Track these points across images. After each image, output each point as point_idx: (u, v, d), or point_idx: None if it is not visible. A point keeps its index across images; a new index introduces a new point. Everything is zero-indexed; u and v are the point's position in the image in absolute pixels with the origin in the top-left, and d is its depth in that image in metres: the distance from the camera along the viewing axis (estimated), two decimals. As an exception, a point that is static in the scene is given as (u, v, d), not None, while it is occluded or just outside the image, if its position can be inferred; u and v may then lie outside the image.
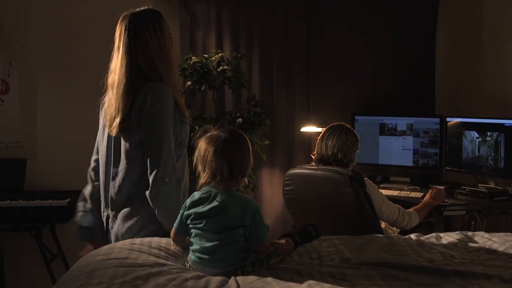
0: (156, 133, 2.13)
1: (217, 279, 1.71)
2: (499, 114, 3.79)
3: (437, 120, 4.04)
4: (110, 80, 2.24)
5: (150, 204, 2.15)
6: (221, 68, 3.87)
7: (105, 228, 2.39)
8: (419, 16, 4.47)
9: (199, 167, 1.96)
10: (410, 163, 4.16)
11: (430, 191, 3.42)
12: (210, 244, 1.88)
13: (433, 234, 2.29)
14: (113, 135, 2.23)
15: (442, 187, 3.55)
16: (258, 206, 1.94)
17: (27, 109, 3.77)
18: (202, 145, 1.96)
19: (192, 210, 1.95)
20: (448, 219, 3.49)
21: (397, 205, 3.13)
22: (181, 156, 2.27)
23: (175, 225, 2.01)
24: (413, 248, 2.05)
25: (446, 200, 3.44)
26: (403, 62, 4.49)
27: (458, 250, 2.03)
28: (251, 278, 1.71)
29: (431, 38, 4.49)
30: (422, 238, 2.24)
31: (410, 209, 3.23)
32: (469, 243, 2.16)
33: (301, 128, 4.34)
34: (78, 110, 3.81)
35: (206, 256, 1.87)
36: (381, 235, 2.28)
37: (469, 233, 2.28)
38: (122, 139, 2.23)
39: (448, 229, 3.45)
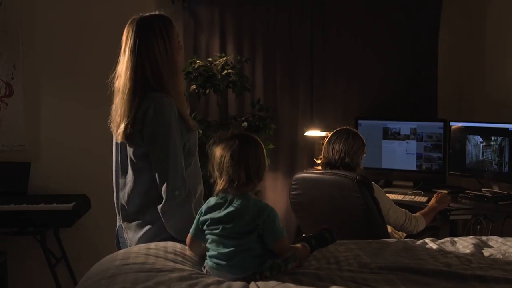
0: (160, 147, 2.09)
1: (237, 285, 1.70)
2: (502, 119, 3.81)
3: (441, 124, 4.05)
4: (116, 84, 2.21)
5: (162, 219, 2.13)
6: (225, 72, 3.86)
7: (116, 238, 2.38)
8: (422, 21, 4.48)
9: (216, 174, 1.96)
10: (414, 167, 4.17)
11: (435, 195, 3.43)
12: (227, 250, 1.87)
13: (448, 239, 2.29)
14: (119, 141, 2.21)
15: (446, 191, 3.55)
16: (273, 208, 1.94)
17: (31, 112, 3.75)
18: (217, 151, 1.95)
19: (208, 216, 1.94)
20: (454, 223, 3.49)
21: (403, 209, 3.14)
22: (191, 164, 2.24)
23: (191, 231, 2.00)
24: (429, 253, 2.05)
25: (451, 205, 3.45)
26: (406, 66, 4.50)
27: (474, 255, 2.03)
28: (272, 283, 1.70)
29: (433, 42, 4.50)
30: (437, 242, 2.24)
31: (416, 214, 3.23)
32: (484, 248, 2.16)
33: (304, 132, 4.34)
34: (82, 114, 3.80)
35: (224, 262, 1.86)
36: (396, 240, 2.28)
37: (483, 238, 2.29)
38: (127, 147, 2.20)
39: (453, 233, 3.46)
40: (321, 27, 4.41)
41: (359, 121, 4.30)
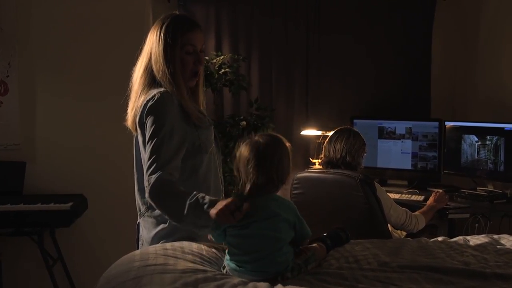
0: (149, 137, 2.08)
1: (263, 285, 1.69)
2: (495, 118, 3.86)
3: (436, 124, 4.10)
4: (134, 73, 2.28)
5: None
6: (222, 71, 3.85)
7: (136, 235, 2.36)
8: (416, 22, 4.53)
9: (242, 176, 1.95)
10: (409, 167, 4.20)
11: (433, 194, 3.46)
12: (251, 252, 1.85)
13: (461, 237, 2.31)
14: (131, 130, 2.26)
15: (441, 190, 3.58)
16: None
17: (26, 110, 3.69)
18: (242, 153, 1.94)
19: None
20: (452, 222, 3.53)
21: (404, 208, 3.16)
22: (203, 162, 2.22)
23: (213, 237, 1.98)
24: (445, 251, 2.07)
25: (448, 203, 3.49)
26: (400, 66, 4.54)
27: (489, 253, 2.05)
28: (298, 283, 1.69)
29: (427, 43, 4.55)
30: (451, 241, 2.26)
31: (416, 212, 3.26)
32: (498, 246, 2.19)
33: (300, 131, 4.35)
34: (78, 112, 3.75)
35: (247, 264, 1.84)
36: (410, 239, 2.29)
37: (495, 236, 2.31)
38: (138, 140, 2.22)
39: (452, 232, 3.50)
40: (317, 27, 4.42)
41: (355, 121, 4.32)
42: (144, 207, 2.26)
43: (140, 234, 2.34)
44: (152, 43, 2.18)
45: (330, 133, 3.29)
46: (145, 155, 2.07)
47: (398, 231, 3.36)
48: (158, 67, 2.16)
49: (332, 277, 1.75)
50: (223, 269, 1.92)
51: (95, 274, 3.74)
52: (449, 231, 3.54)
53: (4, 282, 3.69)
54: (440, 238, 2.30)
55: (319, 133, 4.24)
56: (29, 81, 3.68)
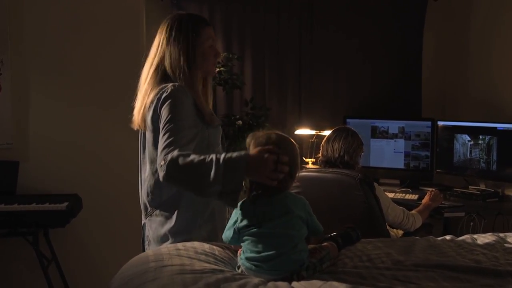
0: (164, 126, 2.04)
1: (283, 285, 1.69)
2: (485, 118, 3.92)
3: (429, 123, 4.14)
4: (142, 75, 2.26)
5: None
6: (217, 70, 3.83)
7: (142, 237, 2.34)
8: (407, 22, 4.57)
9: None
10: (402, 166, 4.24)
11: (428, 193, 3.49)
12: (267, 251, 1.84)
13: (468, 236, 2.34)
14: (135, 128, 2.24)
15: (435, 189, 3.61)
16: None
17: (19, 109, 3.62)
18: (250, 151, 1.93)
19: (245, 220, 1.91)
20: (447, 220, 3.57)
21: (401, 207, 3.19)
22: None
23: (227, 239, 1.97)
24: (455, 250, 2.09)
25: (443, 202, 3.53)
26: (392, 66, 4.59)
27: (498, 251, 2.08)
28: (317, 282, 1.69)
29: (418, 43, 4.59)
30: (459, 239, 2.29)
31: (413, 211, 3.29)
32: (505, 244, 2.22)
33: (293, 130, 4.35)
34: (72, 110, 3.70)
35: (263, 263, 1.84)
36: (417, 237, 2.31)
37: (501, 234, 2.35)
38: (147, 139, 2.20)
39: (447, 230, 3.54)
40: (310, 26, 4.44)
41: (348, 120, 4.34)
42: (152, 207, 2.23)
43: (146, 235, 2.31)
44: (166, 42, 2.17)
45: (326, 132, 3.31)
46: (159, 142, 2.02)
47: (395, 230, 3.39)
48: (175, 64, 2.16)
49: (349, 276, 1.75)
50: (238, 268, 1.92)
51: (89, 274, 3.74)
52: (444, 229, 3.58)
53: (-2, 284, 3.63)
54: (448, 237, 2.32)
55: (313, 132, 4.25)
56: (22, 79, 3.62)
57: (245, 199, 1.97)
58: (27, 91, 3.63)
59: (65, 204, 3.33)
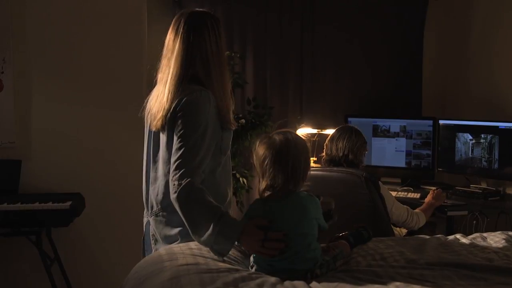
0: (181, 136, 2.03)
1: (299, 284, 1.69)
2: (486, 117, 3.94)
3: (430, 122, 4.15)
4: (160, 75, 2.19)
5: None
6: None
7: (143, 235, 2.32)
8: (408, 20, 4.58)
9: (259, 173, 1.94)
10: (403, 165, 4.25)
11: (431, 192, 3.51)
12: (281, 250, 1.84)
13: (478, 234, 2.35)
14: (154, 129, 2.17)
15: (438, 188, 3.63)
16: None
17: (21, 107, 3.59)
18: (259, 151, 1.93)
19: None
20: (451, 219, 3.59)
21: (405, 206, 3.20)
22: (221, 164, 2.21)
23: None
24: (466, 248, 2.10)
25: (445, 201, 3.54)
26: (393, 65, 4.59)
27: (509, 250, 2.09)
28: (333, 283, 1.69)
29: (419, 42, 4.61)
30: (469, 238, 2.30)
31: (416, 210, 3.30)
32: (515, 243, 2.23)
33: (294, 129, 4.34)
34: (75, 109, 3.68)
35: (277, 263, 1.84)
36: (428, 236, 2.32)
37: (510, 233, 2.36)
38: (161, 137, 2.16)
39: (450, 229, 3.55)
40: (311, 26, 4.44)
41: (349, 119, 4.35)
42: (159, 207, 2.21)
43: (151, 233, 2.28)
44: (194, 40, 2.11)
45: (328, 131, 3.31)
46: (174, 151, 2.02)
47: (398, 229, 3.40)
48: (208, 67, 2.12)
49: (364, 274, 1.76)
50: (251, 268, 1.92)
51: (92, 274, 3.73)
52: (447, 228, 3.60)
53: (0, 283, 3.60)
54: (458, 235, 2.33)
55: (315, 131, 4.26)
56: (25, 77, 3.60)
57: (257, 198, 1.98)
58: (29, 90, 3.61)
59: (69, 203, 3.32)
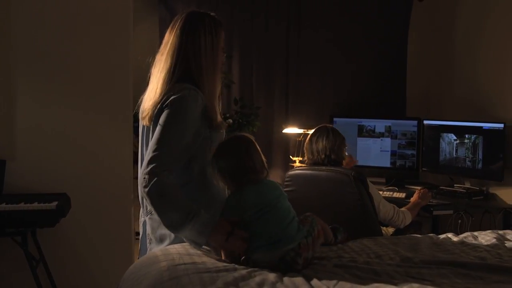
0: (160, 130, 2.02)
1: (299, 280, 1.69)
2: (469, 117, 4.00)
3: (415, 122, 4.20)
4: (153, 69, 2.19)
5: None
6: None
7: (141, 234, 2.30)
8: (392, 22, 4.64)
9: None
10: (388, 164, 4.29)
11: (417, 191, 3.55)
12: (267, 234, 1.89)
13: (469, 233, 2.37)
14: (145, 124, 2.17)
15: (424, 188, 3.67)
16: None
17: (5, 106, 3.54)
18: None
19: (229, 215, 1.97)
20: (436, 218, 3.63)
21: (391, 204, 3.23)
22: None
23: None
24: (458, 247, 2.12)
25: (431, 200, 3.58)
26: (378, 66, 4.65)
27: (501, 249, 2.12)
28: (333, 281, 1.69)
29: (402, 43, 4.66)
30: (460, 237, 2.32)
31: (403, 208, 3.33)
32: (505, 241, 2.25)
33: (280, 129, 4.37)
34: (60, 108, 3.62)
35: (276, 239, 1.88)
36: (420, 235, 2.34)
37: (500, 232, 2.39)
38: (150, 134, 2.15)
39: (436, 228, 3.60)
40: (297, 27, 4.46)
41: (334, 119, 4.38)
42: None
43: (147, 233, 2.27)
44: (191, 38, 2.11)
45: (309, 133, 3.32)
46: (151, 144, 2.00)
47: (384, 228, 3.43)
48: (200, 65, 2.10)
49: (363, 272, 1.77)
50: (247, 261, 1.91)
51: (78, 275, 3.68)
52: (433, 227, 3.64)
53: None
54: (449, 235, 2.36)
55: (301, 131, 4.27)
56: (8, 75, 3.54)
57: (229, 194, 2.06)
58: (13, 88, 3.55)
59: (55, 203, 3.26)
